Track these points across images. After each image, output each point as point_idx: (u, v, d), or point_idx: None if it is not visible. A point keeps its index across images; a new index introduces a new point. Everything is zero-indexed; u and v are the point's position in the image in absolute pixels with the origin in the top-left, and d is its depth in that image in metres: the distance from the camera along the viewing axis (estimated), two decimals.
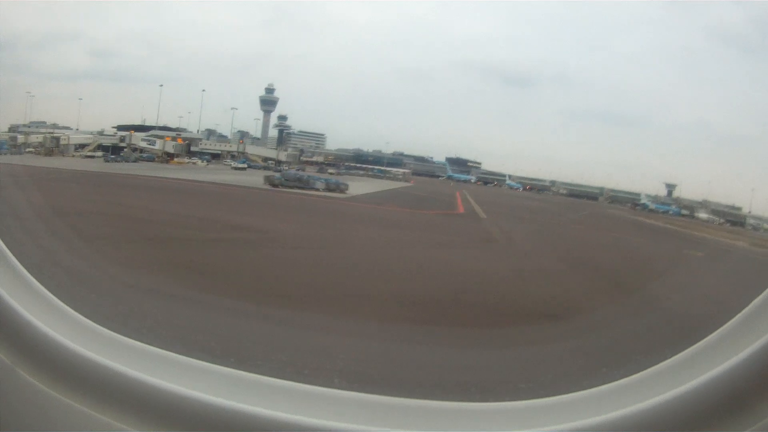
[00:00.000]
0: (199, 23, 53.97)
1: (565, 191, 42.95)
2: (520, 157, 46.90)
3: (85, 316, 1.75)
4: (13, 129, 45.39)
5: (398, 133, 55.86)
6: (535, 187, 44.02)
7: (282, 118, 47.09)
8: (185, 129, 45.57)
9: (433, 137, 53.50)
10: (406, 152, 45.97)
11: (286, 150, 45.15)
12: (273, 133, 48.70)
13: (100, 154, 41.45)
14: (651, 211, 37.02)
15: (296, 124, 47.35)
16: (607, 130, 48.43)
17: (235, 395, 1.52)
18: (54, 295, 1.75)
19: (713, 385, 1.31)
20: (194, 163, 40.21)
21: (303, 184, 28.77)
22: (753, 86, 38.03)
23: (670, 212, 36.55)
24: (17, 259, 1.76)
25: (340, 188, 28.85)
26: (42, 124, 45.71)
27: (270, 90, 48.57)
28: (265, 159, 42.97)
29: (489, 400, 1.58)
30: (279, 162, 42.65)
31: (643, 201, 38.18)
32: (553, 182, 44.06)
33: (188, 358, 1.67)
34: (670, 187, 38.54)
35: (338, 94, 49.59)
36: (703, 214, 35.29)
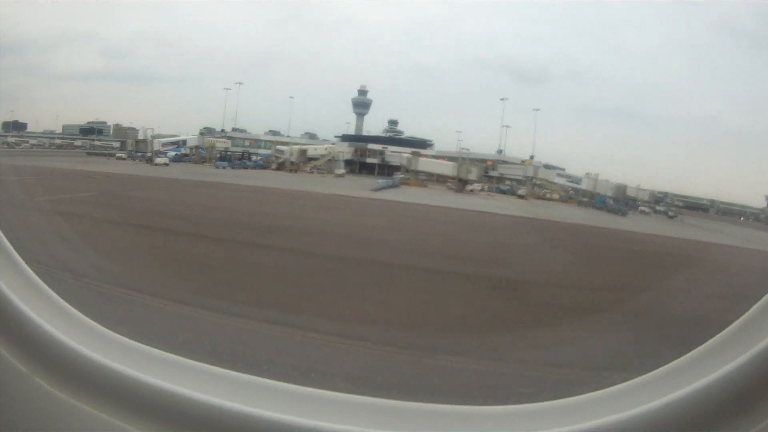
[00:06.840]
0: (209, 23, 53.16)
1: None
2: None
3: (98, 322, 1.74)
4: (67, 128, 37.93)
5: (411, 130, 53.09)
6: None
7: (393, 122, 42.55)
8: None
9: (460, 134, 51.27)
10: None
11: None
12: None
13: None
14: None
15: (296, 125, 44.07)
16: (620, 126, 47.89)
17: (244, 399, 1.51)
18: (69, 303, 1.75)
19: (716, 387, 1.30)
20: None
21: None
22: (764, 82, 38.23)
23: None
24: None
25: None
26: (103, 124, 38.40)
27: (363, 92, 44.22)
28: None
29: (491, 404, 1.56)
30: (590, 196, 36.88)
31: None
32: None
33: (199, 362, 1.66)
34: None
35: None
36: None
